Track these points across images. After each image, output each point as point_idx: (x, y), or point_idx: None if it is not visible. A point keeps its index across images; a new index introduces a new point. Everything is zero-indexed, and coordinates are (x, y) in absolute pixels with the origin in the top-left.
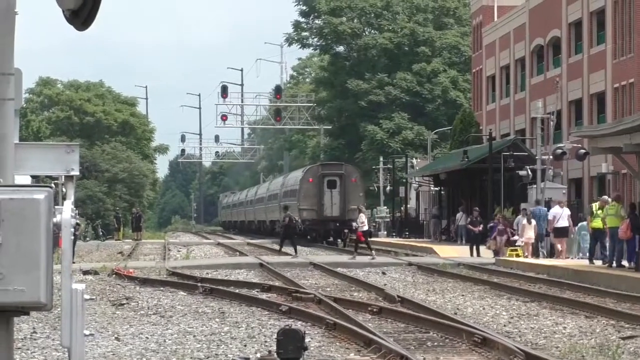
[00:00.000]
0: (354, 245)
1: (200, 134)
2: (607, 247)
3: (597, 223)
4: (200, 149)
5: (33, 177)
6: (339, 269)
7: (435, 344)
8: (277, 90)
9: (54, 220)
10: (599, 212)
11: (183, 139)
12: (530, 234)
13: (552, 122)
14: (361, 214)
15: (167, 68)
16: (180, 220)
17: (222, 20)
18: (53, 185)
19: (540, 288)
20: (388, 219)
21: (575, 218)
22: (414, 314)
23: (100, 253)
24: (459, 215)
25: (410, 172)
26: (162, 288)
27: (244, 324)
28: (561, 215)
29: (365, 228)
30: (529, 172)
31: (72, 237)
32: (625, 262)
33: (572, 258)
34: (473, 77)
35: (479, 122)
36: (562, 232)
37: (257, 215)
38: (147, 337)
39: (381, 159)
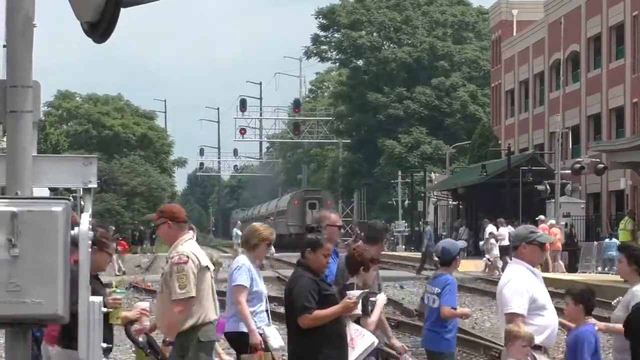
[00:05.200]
0: None
1: (218, 148)
2: None
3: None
4: (219, 162)
5: (51, 189)
6: None
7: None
8: (296, 104)
9: (72, 232)
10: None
11: (202, 152)
12: (495, 251)
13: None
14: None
15: (186, 81)
16: (199, 234)
17: (241, 34)
18: (71, 197)
19: (558, 303)
20: (406, 233)
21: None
22: None
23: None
24: (461, 229)
25: (429, 186)
26: None
27: None
28: (504, 235)
29: None
30: (547, 187)
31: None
32: None
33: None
34: (492, 91)
35: (497, 136)
36: (505, 251)
37: None
38: None
39: (399, 173)
